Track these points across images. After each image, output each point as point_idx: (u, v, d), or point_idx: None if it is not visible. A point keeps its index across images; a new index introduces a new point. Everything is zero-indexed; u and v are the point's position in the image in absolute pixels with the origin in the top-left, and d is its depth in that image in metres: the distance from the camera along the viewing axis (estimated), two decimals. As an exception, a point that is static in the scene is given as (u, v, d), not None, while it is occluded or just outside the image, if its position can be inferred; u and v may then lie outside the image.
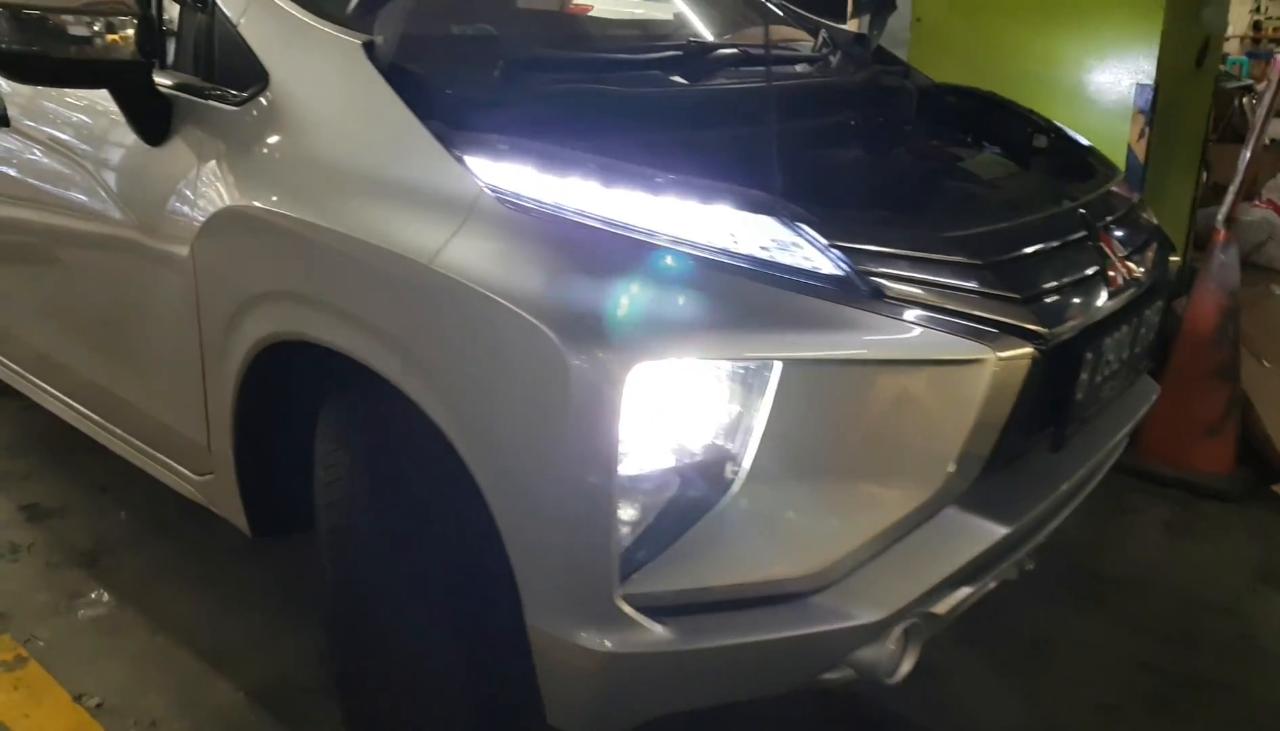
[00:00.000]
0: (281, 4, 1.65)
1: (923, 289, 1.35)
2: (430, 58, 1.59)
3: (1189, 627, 2.31)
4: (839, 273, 1.33)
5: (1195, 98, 3.30)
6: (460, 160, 1.39)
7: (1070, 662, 2.16)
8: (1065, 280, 1.52)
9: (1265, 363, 3.29)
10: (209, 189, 1.69)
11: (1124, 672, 2.14)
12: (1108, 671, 2.14)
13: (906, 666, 1.45)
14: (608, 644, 1.30)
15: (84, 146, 2.02)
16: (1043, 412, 1.52)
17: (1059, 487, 1.62)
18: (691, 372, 1.29)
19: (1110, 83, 2.89)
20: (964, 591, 1.48)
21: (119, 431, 2.19)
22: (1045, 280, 1.48)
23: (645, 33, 2.44)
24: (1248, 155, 2.78)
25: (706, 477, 1.35)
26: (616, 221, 1.33)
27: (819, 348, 1.29)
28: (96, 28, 1.65)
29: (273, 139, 1.60)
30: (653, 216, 1.33)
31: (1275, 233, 3.85)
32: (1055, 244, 1.56)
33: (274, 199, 1.56)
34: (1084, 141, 2.22)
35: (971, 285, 1.38)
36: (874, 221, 1.45)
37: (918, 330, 1.32)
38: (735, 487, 1.35)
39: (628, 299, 1.25)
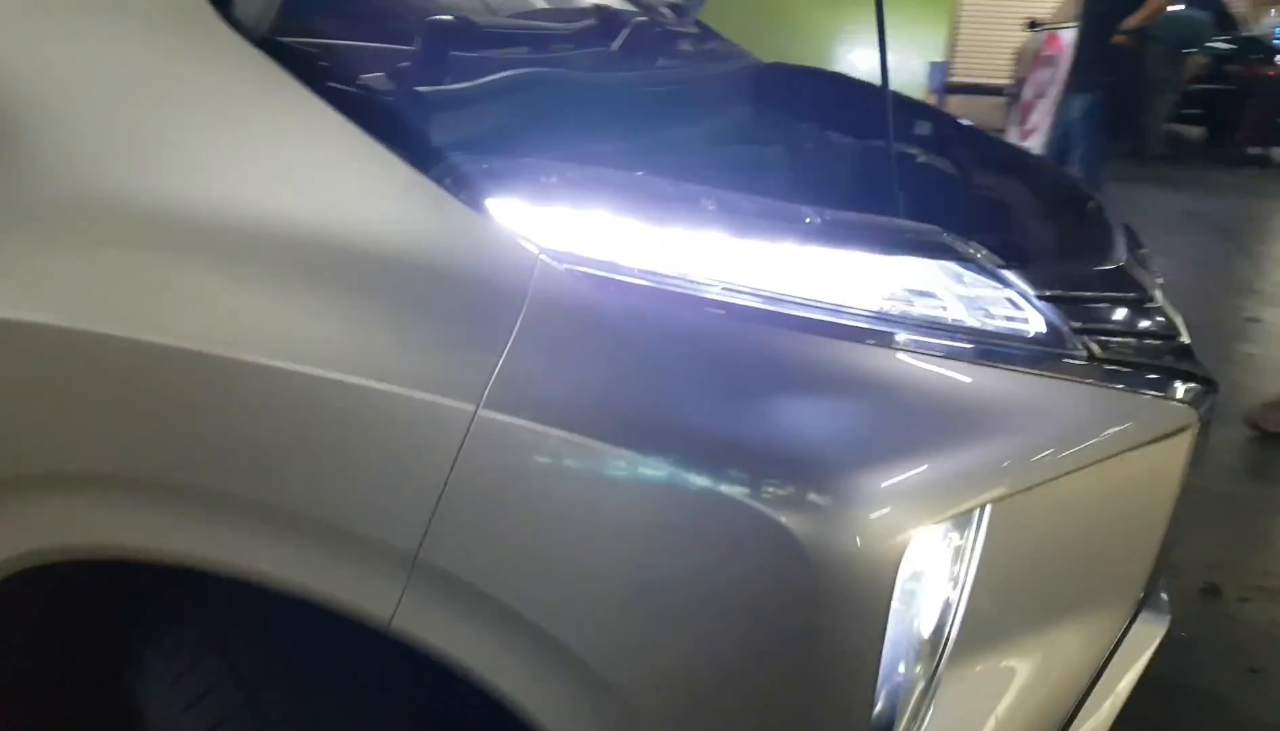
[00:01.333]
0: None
1: (1120, 343, 1.00)
2: (296, 32, 0.92)
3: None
4: (1056, 333, 0.93)
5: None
6: (476, 206, 0.77)
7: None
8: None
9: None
10: None
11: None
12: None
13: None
14: None
15: None
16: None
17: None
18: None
19: (902, 62, 2.78)
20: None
21: None
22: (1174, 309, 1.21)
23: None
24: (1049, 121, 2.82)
25: (918, 665, 0.89)
26: (767, 293, 0.81)
27: (1062, 444, 0.88)
28: None
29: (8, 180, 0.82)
30: (810, 280, 0.83)
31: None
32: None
33: (48, 300, 0.80)
34: (967, 122, 2.01)
35: (1156, 329, 1.07)
36: (1029, 257, 1.07)
37: (1139, 399, 0.97)
38: (943, 667, 0.91)
39: (867, 428, 0.75)
